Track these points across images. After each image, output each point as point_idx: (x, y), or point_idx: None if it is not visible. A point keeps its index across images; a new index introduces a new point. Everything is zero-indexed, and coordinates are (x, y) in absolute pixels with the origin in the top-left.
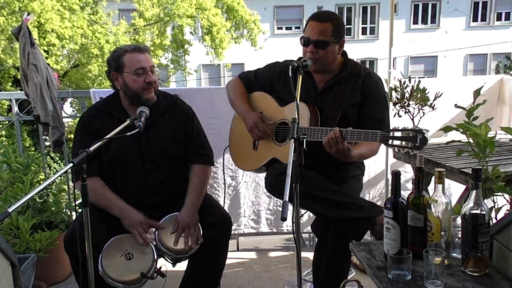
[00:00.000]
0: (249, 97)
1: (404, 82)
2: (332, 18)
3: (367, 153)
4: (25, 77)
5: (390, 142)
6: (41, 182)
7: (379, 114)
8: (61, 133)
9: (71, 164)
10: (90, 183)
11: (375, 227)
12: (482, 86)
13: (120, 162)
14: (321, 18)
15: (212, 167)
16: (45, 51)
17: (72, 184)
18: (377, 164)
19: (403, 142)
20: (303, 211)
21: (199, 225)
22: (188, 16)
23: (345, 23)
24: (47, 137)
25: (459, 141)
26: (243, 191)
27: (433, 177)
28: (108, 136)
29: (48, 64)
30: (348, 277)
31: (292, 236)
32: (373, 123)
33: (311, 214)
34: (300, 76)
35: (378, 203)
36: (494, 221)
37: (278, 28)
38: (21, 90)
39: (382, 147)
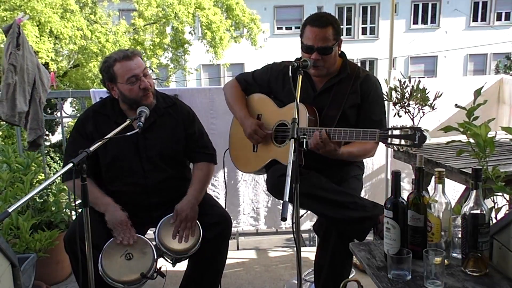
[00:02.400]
0: (248, 99)
1: (404, 82)
2: (331, 22)
3: (358, 153)
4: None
5: (389, 140)
6: (41, 182)
7: (377, 116)
8: (37, 135)
9: (71, 164)
10: (79, 182)
11: (378, 226)
12: (483, 86)
13: (119, 162)
14: (321, 23)
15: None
16: (44, 50)
17: (68, 183)
18: (377, 164)
19: (402, 141)
20: (302, 211)
21: (198, 223)
22: (185, 17)
23: (345, 23)
24: (47, 137)
25: (459, 141)
26: (242, 189)
27: (433, 177)
28: (108, 136)
29: (47, 65)
30: (349, 277)
31: (292, 236)
32: (370, 124)
33: (310, 214)
34: (300, 76)
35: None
36: (494, 221)
37: (278, 28)
38: None
39: (381, 147)
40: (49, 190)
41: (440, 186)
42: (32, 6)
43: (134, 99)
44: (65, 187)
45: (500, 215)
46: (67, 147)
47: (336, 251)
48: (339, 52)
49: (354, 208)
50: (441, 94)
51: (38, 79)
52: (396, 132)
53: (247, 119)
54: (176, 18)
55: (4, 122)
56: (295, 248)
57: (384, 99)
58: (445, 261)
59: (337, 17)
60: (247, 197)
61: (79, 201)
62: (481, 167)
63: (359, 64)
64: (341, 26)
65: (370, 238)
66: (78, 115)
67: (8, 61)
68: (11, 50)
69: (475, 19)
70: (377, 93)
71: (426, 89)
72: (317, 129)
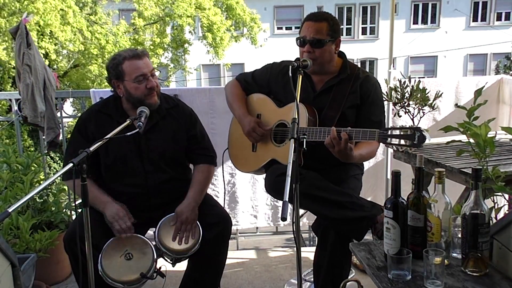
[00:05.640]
0: (247, 99)
1: (404, 82)
2: (327, 18)
3: (367, 155)
4: (19, 77)
5: (388, 140)
6: (41, 182)
7: (377, 117)
8: (55, 134)
9: (71, 164)
10: (78, 182)
11: (376, 226)
12: (484, 86)
13: (120, 163)
14: (316, 17)
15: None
16: (45, 52)
17: (68, 183)
18: (377, 164)
19: (402, 141)
20: (302, 210)
21: (198, 223)
22: (188, 16)
23: (345, 23)
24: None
25: (459, 141)
26: (241, 187)
27: (433, 177)
28: (108, 136)
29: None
30: (348, 277)
31: (292, 235)
32: (370, 125)
33: (311, 214)
34: (300, 76)
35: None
36: (494, 221)
37: (278, 28)
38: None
39: (381, 148)
40: (49, 190)
41: (440, 186)
42: (32, 8)
43: (139, 98)
44: (65, 187)
45: (500, 215)
46: (67, 147)
47: (335, 251)
48: (336, 51)
49: (352, 208)
50: (441, 94)
51: (46, 79)
52: (396, 132)
53: (246, 117)
54: (179, 16)
55: (6, 122)
56: (295, 248)
57: (384, 99)
58: (445, 261)
59: (337, 17)
60: (246, 195)
61: (79, 201)
62: (481, 167)
63: (359, 64)
64: (341, 26)
65: (369, 238)
66: (79, 115)
67: (22, 62)
68: (24, 51)
69: (475, 19)
70: (377, 94)
71: (426, 89)
72: (318, 128)
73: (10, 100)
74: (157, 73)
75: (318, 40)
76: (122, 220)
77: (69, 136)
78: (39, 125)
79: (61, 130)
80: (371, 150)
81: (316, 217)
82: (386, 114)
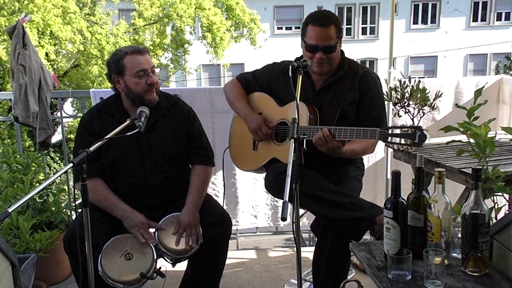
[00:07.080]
0: (248, 97)
1: (404, 82)
2: (333, 20)
3: (360, 150)
4: (13, 77)
5: (389, 139)
6: (41, 182)
7: (377, 113)
8: (47, 134)
9: (71, 164)
10: (92, 184)
11: (375, 227)
12: (484, 86)
13: (121, 162)
14: (324, 22)
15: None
16: (45, 52)
17: (73, 184)
18: (377, 165)
19: (402, 140)
20: (302, 210)
21: (199, 225)
22: (187, 16)
23: (345, 23)
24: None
25: (459, 141)
26: (241, 187)
27: (433, 177)
28: (108, 136)
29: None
30: (348, 277)
31: (292, 235)
32: (371, 121)
33: (311, 214)
34: (300, 76)
35: (378, 204)
36: (494, 221)
37: (278, 28)
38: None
39: (381, 147)
40: (49, 190)
41: (440, 186)
42: (32, 8)
43: (138, 93)
44: (65, 187)
45: (500, 215)
46: (75, 149)
47: (334, 251)
48: (340, 48)
49: (352, 208)
50: (441, 94)
51: (42, 79)
52: (396, 131)
53: (251, 114)
54: (179, 17)
55: (6, 122)
56: (295, 248)
57: (384, 98)
58: (445, 261)
59: None
60: (246, 196)
61: (79, 201)
62: (481, 167)
63: None
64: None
65: (368, 238)
66: (79, 114)
67: (17, 61)
68: (19, 50)
69: (475, 19)
70: (376, 88)
71: (426, 89)
72: (318, 128)
73: (10, 100)
74: (157, 70)
75: (330, 47)
76: (143, 230)
77: (69, 136)
78: (31, 125)
79: (60, 130)
80: (366, 146)
81: (315, 217)
82: (386, 113)
